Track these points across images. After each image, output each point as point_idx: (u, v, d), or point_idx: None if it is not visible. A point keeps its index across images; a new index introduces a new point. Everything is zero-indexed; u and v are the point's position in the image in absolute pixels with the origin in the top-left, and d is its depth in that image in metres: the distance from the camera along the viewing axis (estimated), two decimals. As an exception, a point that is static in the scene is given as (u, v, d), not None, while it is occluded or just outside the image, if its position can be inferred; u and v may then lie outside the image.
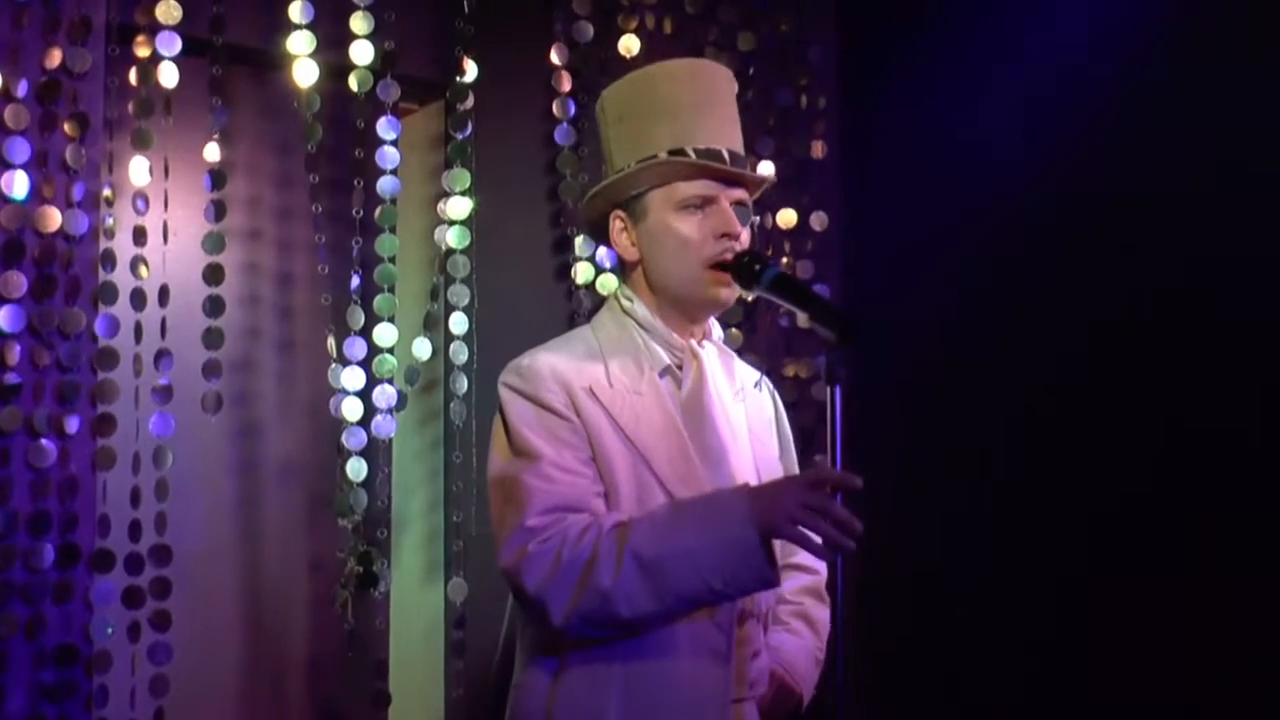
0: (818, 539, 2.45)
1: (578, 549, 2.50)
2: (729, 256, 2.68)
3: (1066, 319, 4.16)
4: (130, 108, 3.61)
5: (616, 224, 2.78)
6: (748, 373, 2.93)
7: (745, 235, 2.72)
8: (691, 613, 2.57)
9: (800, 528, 2.45)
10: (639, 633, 2.57)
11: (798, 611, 2.99)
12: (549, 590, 2.50)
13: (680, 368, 2.74)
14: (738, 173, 2.71)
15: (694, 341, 2.76)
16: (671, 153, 2.68)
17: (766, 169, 4.50)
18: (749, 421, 2.85)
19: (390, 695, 3.90)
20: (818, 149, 4.66)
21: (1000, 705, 4.25)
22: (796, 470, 3.03)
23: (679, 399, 2.71)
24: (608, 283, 4.24)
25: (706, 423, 2.72)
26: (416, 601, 4.15)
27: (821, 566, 3.06)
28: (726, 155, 2.70)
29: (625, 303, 2.78)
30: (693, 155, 2.68)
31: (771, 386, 2.99)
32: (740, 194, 2.73)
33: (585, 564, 2.49)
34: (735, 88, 2.83)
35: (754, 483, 2.74)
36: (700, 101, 2.72)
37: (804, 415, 4.48)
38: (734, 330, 4.40)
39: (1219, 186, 3.82)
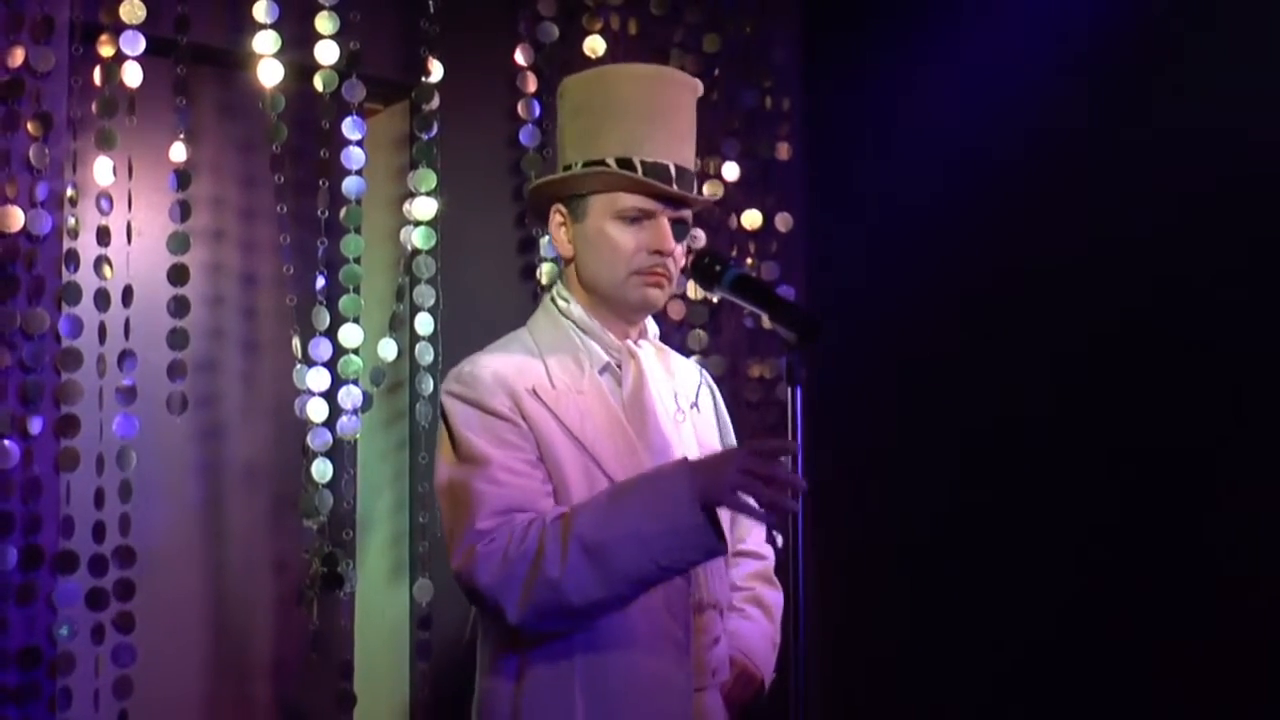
0: (760, 507, 2.46)
1: (524, 545, 2.51)
2: (659, 271, 2.72)
3: (1032, 319, 4.17)
4: (94, 107, 3.59)
5: (556, 218, 2.82)
6: (685, 366, 2.98)
7: (680, 251, 2.77)
8: (642, 593, 2.57)
9: (742, 495, 2.46)
10: (594, 620, 2.58)
11: (750, 597, 3.04)
12: (501, 588, 2.51)
13: (620, 366, 2.77)
14: (680, 195, 2.73)
15: (631, 341, 2.80)
16: (619, 161, 2.70)
17: (731, 171, 4.51)
18: (691, 419, 2.88)
19: (355, 696, 3.89)
20: (783, 150, 4.67)
21: (960, 695, 4.27)
22: None
23: (621, 397, 2.74)
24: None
25: (650, 419, 2.75)
26: (382, 602, 4.15)
27: (769, 551, 3.11)
28: (673, 170, 2.72)
29: (561, 303, 2.81)
30: (639, 169, 2.70)
31: (708, 377, 3.04)
32: (682, 212, 2.76)
33: (533, 558, 2.50)
34: (696, 98, 2.84)
35: None
36: (656, 111, 2.74)
37: (768, 415, 4.50)
38: (699, 331, 4.42)
39: (1189, 188, 3.84)
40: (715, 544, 2.50)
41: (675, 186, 2.71)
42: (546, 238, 4.25)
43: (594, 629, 2.63)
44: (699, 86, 2.85)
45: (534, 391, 2.67)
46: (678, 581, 2.68)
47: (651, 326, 2.89)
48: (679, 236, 2.74)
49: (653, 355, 2.82)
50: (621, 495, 2.54)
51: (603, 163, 2.72)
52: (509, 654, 2.68)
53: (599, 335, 2.78)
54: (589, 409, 2.68)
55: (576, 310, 2.78)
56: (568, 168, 2.78)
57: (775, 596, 3.05)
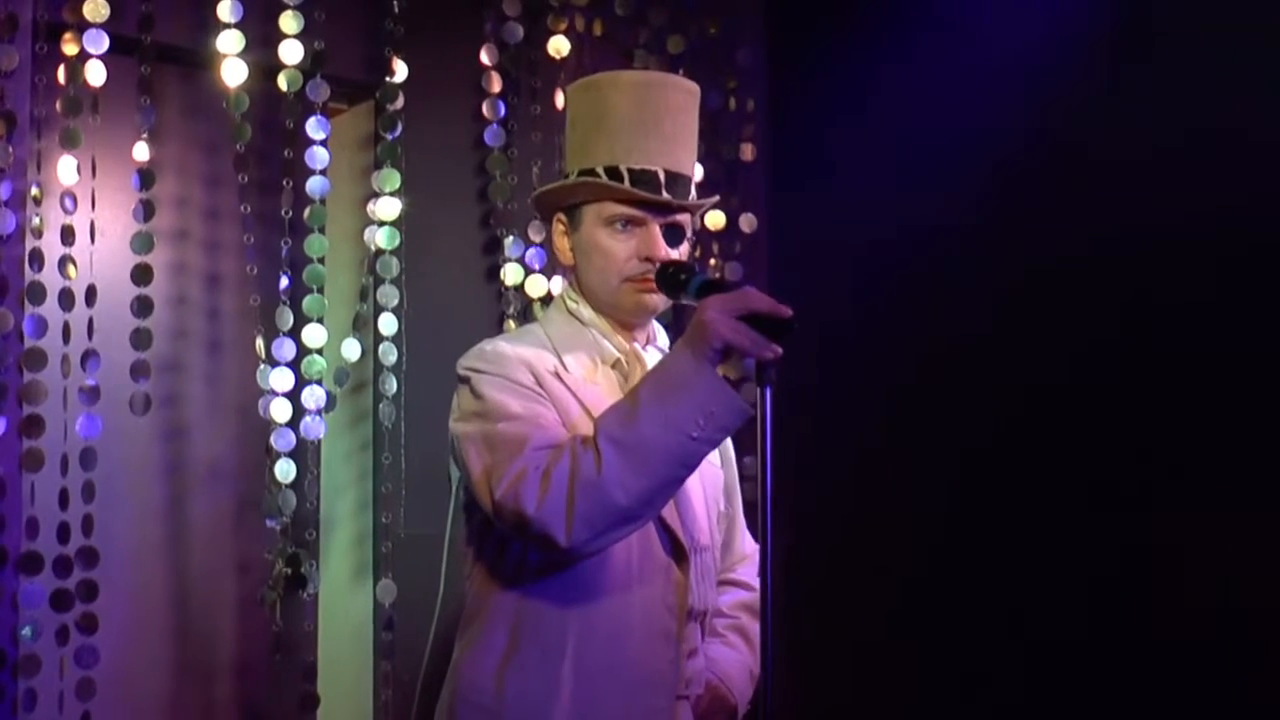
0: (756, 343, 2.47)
1: (559, 466, 2.49)
2: (650, 277, 2.73)
3: (994, 321, 4.19)
4: (58, 106, 3.58)
5: (558, 227, 2.85)
6: None
7: (675, 257, 2.76)
8: (686, 476, 2.55)
9: (736, 335, 2.46)
10: (648, 521, 2.57)
11: (734, 625, 3.03)
12: (546, 510, 2.48)
13: (627, 365, 2.79)
14: (663, 202, 2.73)
15: (638, 345, 2.82)
16: (608, 170, 2.72)
17: (695, 171, 4.50)
18: None
19: (319, 697, 3.89)
20: (747, 151, 4.69)
21: (936, 702, 4.29)
22: (738, 485, 3.12)
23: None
24: (537, 284, 4.25)
25: None
26: (345, 603, 4.15)
27: (758, 583, 3.10)
28: (662, 177, 2.72)
29: (571, 304, 2.83)
30: (626, 177, 2.71)
31: None
32: (675, 218, 2.77)
33: (569, 471, 2.48)
34: (694, 101, 2.84)
35: (697, 493, 2.83)
36: (645, 118, 2.74)
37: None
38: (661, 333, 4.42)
39: (1157, 189, 3.85)
40: (735, 397, 2.50)
41: (665, 193, 2.71)
42: (511, 238, 4.25)
43: (591, 611, 2.65)
44: (696, 90, 2.85)
45: (555, 373, 2.70)
46: (678, 578, 2.72)
47: (661, 335, 2.91)
48: (673, 242, 2.74)
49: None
50: (635, 391, 2.54)
51: (593, 172, 2.73)
52: (499, 629, 2.69)
53: (608, 336, 2.80)
54: (603, 397, 2.69)
55: (585, 312, 2.81)
56: (567, 177, 2.81)
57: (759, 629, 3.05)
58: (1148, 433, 3.85)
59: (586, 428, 2.61)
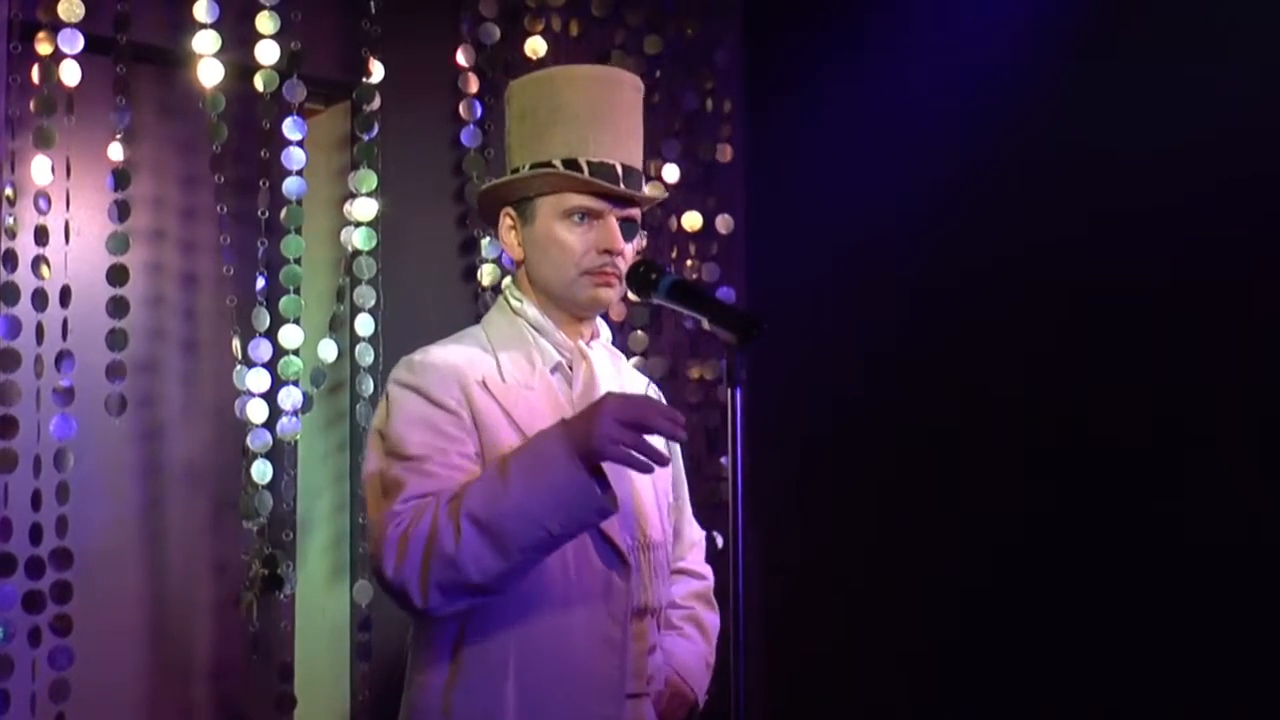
0: (640, 455, 2.47)
1: (419, 527, 2.50)
2: (608, 270, 2.72)
3: (970, 324, 4.20)
4: (32, 106, 3.57)
5: (506, 221, 2.82)
6: (635, 378, 2.98)
7: (630, 250, 2.77)
8: (545, 557, 2.55)
9: (622, 447, 2.46)
10: (504, 591, 2.56)
11: (688, 616, 3.04)
12: (403, 573, 2.50)
13: (571, 367, 2.78)
14: (627, 194, 2.74)
15: (582, 342, 2.81)
16: (565, 162, 2.71)
17: (671, 173, 4.52)
18: None
19: (295, 698, 3.88)
20: (724, 152, 4.69)
21: (901, 699, 4.30)
22: (684, 477, 3.12)
23: (571, 396, 2.74)
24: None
25: None
26: (322, 604, 4.14)
27: (708, 572, 3.12)
28: (620, 170, 2.73)
29: (515, 303, 2.81)
30: (585, 169, 2.71)
31: (655, 390, 3.03)
32: (630, 211, 2.77)
33: (428, 538, 2.48)
34: (640, 96, 2.85)
35: (648, 489, 2.81)
36: (600, 111, 2.74)
37: (709, 417, 4.51)
38: (639, 333, 4.42)
39: (1127, 189, 3.86)
40: (602, 502, 2.49)
41: (622, 185, 2.72)
42: (488, 239, 4.25)
43: (532, 626, 2.63)
44: (642, 85, 2.85)
45: (483, 383, 2.67)
46: (619, 584, 2.69)
47: (604, 331, 2.89)
48: (628, 235, 2.75)
49: (606, 359, 2.83)
50: (507, 467, 2.52)
51: (549, 164, 2.72)
52: (442, 648, 2.67)
53: (551, 334, 2.78)
54: (537, 404, 2.68)
55: (530, 310, 2.78)
56: (515, 171, 2.79)
57: (713, 619, 3.06)
58: (1128, 434, 3.86)
59: (510, 442, 2.62)
